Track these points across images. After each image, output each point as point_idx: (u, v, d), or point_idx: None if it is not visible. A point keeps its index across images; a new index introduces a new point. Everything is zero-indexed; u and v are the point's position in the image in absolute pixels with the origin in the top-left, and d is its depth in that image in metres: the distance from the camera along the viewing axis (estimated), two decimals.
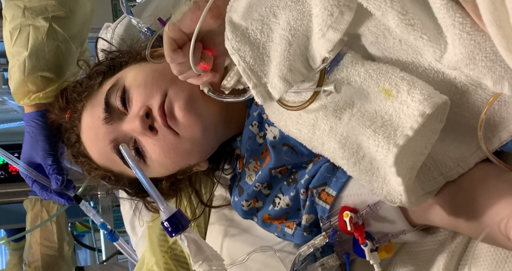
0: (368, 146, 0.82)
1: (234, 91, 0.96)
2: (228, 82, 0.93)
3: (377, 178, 0.85)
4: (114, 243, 1.44)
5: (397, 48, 0.83)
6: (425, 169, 0.87)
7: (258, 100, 0.86)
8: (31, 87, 1.29)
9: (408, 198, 0.82)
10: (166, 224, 0.87)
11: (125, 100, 1.04)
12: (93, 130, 1.08)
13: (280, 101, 0.89)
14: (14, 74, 1.30)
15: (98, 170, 1.14)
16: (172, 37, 0.88)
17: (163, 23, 0.90)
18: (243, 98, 0.92)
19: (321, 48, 0.82)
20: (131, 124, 1.03)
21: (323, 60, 0.84)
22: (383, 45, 0.85)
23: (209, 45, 0.89)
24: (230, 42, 0.86)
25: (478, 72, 0.75)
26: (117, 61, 1.14)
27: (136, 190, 1.18)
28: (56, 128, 1.22)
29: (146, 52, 1.01)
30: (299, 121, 0.91)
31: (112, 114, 1.05)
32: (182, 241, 0.79)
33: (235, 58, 0.85)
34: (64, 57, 1.32)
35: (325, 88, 0.85)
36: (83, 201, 1.36)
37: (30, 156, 1.29)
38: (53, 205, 2.33)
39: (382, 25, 0.82)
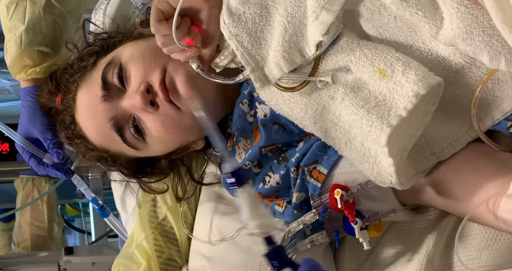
0: (361, 126, 0.82)
1: (226, 71, 0.96)
2: (221, 60, 0.93)
3: (368, 158, 0.85)
4: (105, 219, 1.43)
5: (391, 25, 0.83)
6: (417, 148, 0.87)
7: (256, 84, 0.86)
8: (28, 62, 1.28)
9: (398, 179, 0.83)
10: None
11: (122, 77, 1.03)
12: (90, 109, 1.07)
13: (279, 85, 0.90)
14: (11, 48, 1.30)
15: (95, 151, 1.13)
16: (160, 9, 0.87)
17: None
18: (232, 81, 0.92)
19: (314, 32, 0.82)
20: (132, 101, 1.02)
21: (318, 45, 0.84)
22: (378, 22, 0.85)
23: (197, 22, 0.89)
24: (227, 27, 0.86)
25: (475, 47, 0.76)
26: (110, 41, 1.13)
27: (133, 170, 1.17)
28: (47, 112, 1.21)
29: (136, 23, 1.01)
30: (291, 100, 0.91)
31: (110, 91, 1.04)
32: (241, 195, 0.78)
33: (232, 43, 0.86)
34: (61, 32, 1.31)
35: (321, 78, 0.85)
36: (75, 174, 1.36)
37: (27, 131, 1.28)
38: (45, 185, 2.33)
39: (378, 0, 0.82)
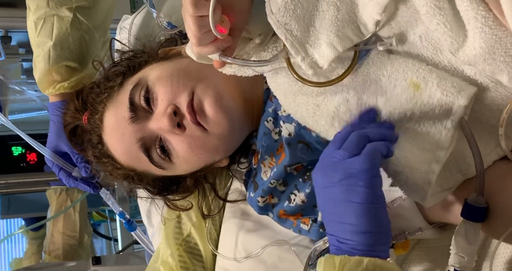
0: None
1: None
2: (246, 52, 0.92)
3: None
4: (132, 233, 1.45)
5: (417, 44, 0.83)
6: (444, 166, 0.86)
7: (309, 72, 0.85)
8: (56, 77, 1.31)
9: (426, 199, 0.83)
10: None
11: (149, 99, 1.04)
12: (118, 130, 1.08)
13: (304, 79, 0.88)
14: (39, 64, 1.33)
15: (121, 170, 1.14)
16: None
17: None
18: (267, 66, 0.91)
19: (372, 11, 0.81)
20: (159, 123, 1.03)
21: (376, 24, 0.83)
22: (405, 39, 0.84)
23: (228, 13, 0.87)
24: (274, 17, 0.85)
25: (495, 67, 0.75)
26: (135, 61, 1.14)
27: (159, 188, 1.18)
28: (72, 130, 1.22)
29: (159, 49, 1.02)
30: (317, 113, 0.91)
31: (137, 113, 1.05)
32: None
33: (281, 32, 0.84)
34: (88, 47, 1.34)
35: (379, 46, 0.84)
36: (103, 188, 1.38)
37: (56, 144, 1.32)
38: (77, 195, 2.37)
39: (405, 16, 0.81)
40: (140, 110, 1.05)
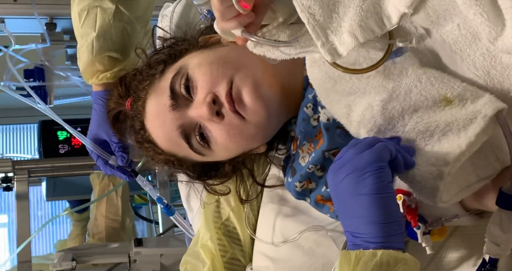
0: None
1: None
2: (269, 30, 0.91)
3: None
4: (171, 217, 1.48)
5: (455, 32, 0.82)
6: (481, 155, 0.86)
7: (327, 58, 0.85)
8: (99, 67, 1.34)
9: (440, 199, 0.82)
10: None
11: (189, 87, 1.06)
12: (159, 118, 1.10)
13: (341, 66, 0.88)
14: (83, 54, 1.36)
15: (162, 155, 1.17)
16: None
17: None
18: (295, 46, 0.90)
19: (398, 4, 0.81)
20: (198, 111, 1.05)
21: (401, 17, 0.82)
22: (443, 28, 0.84)
23: None
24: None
25: None
26: (176, 49, 1.16)
27: (198, 173, 1.21)
28: (115, 116, 1.26)
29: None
30: (350, 114, 0.92)
31: (178, 101, 1.07)
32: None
33: (304, 16, 0.84)
34: (130, 38, 1.37)
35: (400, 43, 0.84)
36: (139, 175, 1.42)
37: (96, 132, 1.36)
38: (119, 179, 2.42)
39: (443, 5, 0.81)
40: (181, 98, 1.07)
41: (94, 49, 1.34)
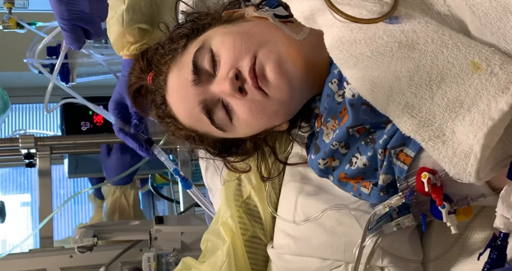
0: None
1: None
2: None
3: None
4: (188, 191, 1.47)
5: (485, 4, 0.80)
6: (509, 131, 0.83)
7: None
8: (129, 39, 1.37)
9: (477, 175, 0.81)
10: None
11: (212, 62, 1.05)
12: (181, 92, 1.09)
13: (347, 15, 0.86)
14: (113, 27, 1.38)
15: (183, 130, 1.16)
16: None
17: None
18: None
19: None
20: (221, 86, 1.04)
21: None
22: (472, 0, 0.81)
23: None
24: None
25: None
26: (199, 23, 1.14)
27: (219, 150, 1.20)
28: (137, 90, 1.25)
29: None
30: (374, 90, 0.90)
31: (200, 76, 1.06)
32: None
33: None
34: (158, 9, 1.39)
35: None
36: (155, 144, 1.42)
37: (121, 96, 1.38)
38: (130, 191, 2.48)
39: None
40: (203, 73, 1.06)
41: (124, 21, 1.35)
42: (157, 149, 1.43)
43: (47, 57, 2.28)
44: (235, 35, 1.05)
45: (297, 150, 1.20)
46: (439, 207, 0.92)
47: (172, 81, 1.11)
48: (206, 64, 1.05)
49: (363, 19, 0.86)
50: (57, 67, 1.43)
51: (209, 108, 1.07)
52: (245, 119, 1.06)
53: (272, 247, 1.21)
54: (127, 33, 1.36)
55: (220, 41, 1.05)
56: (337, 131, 1.04)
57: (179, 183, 2.83)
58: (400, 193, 0.97)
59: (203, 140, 1.17)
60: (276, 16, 1.10)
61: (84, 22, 0.98)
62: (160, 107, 1.16)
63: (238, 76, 1.02)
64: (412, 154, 0.95)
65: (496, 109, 0.77)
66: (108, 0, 1.35)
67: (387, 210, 0.98)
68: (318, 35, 0.98)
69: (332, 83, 1.05)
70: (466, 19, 0.84)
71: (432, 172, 0.92)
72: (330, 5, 0.87)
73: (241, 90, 1.03)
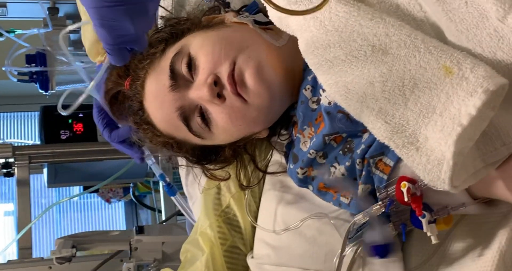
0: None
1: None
2: None
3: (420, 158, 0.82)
4: (172, 198, 1.45)
5: (462, 10, 0.79)
6: (487, 139, 0.83)
7: None
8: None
9: (451, 184, 0.79)
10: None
11: (191, 67, 1.03)
12: (158, 98, 1.08)
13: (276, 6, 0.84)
14: (89, 33, 1.35)
15: (161, 137, 1.14)
16: None
17: None
18: None
19: None
20: (199, 92, 1.02)
21: None
22: (449, 6, 0.80)
23: None
24: None
25: None
26: (178, 28, 1.13)
27: (198, 157, 1.18)
28: (114, 96, 1.22)
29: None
30: (348, 96, 0.89)
31: (178, 81, 1.05)
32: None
33: None
34: None
35: None
36: (143, 147, 1.38)
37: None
38: None
39: None
40: (181, 79, 1.04)
41: None
42: (146, 151, 1.40)
43: (26, 65, 2.26)
44: (214, 40, 1.04)
45: (277, 158, 1.19)
46: (419, 217, 0.91)
47: (150, 87, 1.09)
48: (183, 69, 1.04)
49: (293, 11, 0.85)
50: (97, 78, 1.38)
51: (186, 115, 1.06)
52: (224, 126, 1.05)
53: (252, 257, 1.20)
54: None
55: (199, 46, 1.04)
56: (314, 139, 1.03)
57: (161, 192, 2.82)
58: (379, 202, 0.95)
59: (181, 147, 1.15)
60: (256, 22, 1.09)
61: (129, 43, 0.91)
62: (137, 114, 1.14)
63: (216, 82, 1.01)
64: (391, 163, 0.94)
65: (465, 114, 0.76)
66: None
67: (367, 219, 0.97)
68: (296, 41, 0.97)
69: (306, 90, 1.04)
70: (442, 25, 0.83)
71: (411, 181, 0.91)
72: None
73: (220, 97, 1.01)
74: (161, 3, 1.34)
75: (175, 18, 1.20)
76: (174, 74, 1.04)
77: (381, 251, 0.71)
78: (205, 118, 1.05)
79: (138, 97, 1.12)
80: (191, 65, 1.03)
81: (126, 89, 1.17)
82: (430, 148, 0.80)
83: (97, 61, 1.38)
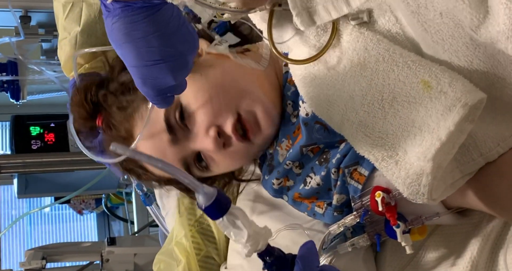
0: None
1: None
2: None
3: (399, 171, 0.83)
4: (148, 207, 1.43)
5: (437, 21, 0.80)
6: (464, 150, 0.83)
7: (301, 27, 0.83)
8: (79, 61, 1.34)
9: (430, 197, 0.80)
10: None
11: (183, 117, 1.01)
12: (158, 151, 1.04)
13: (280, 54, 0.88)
14: (65, 47, 1.36)
15: (154, 176, 1.14)
16: None
17: None
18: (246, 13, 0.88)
19: None
20: (203, 145, 1.02)
21: None
22: (424, 17, 0.81)
23: None
24: None
25: None
26: None
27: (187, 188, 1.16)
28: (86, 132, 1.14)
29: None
30: (330, 100, 0.89)
31: (177, 134, 1.03)
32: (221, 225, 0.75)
33: None
34: None
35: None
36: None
37: None
38: None
39: None
40: (178, 130, 1.03)
41: (77, 43, 1.34)
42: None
43: None
44: (208, 90, 1.01)
45: (251, 167, 1.18)
46: (394, 227, 0.91)
47: (146, 141, 1.04)
48: (177, 120, 1.02)
49: (296, 60, 0.88)
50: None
51: (188, 162, 1.05)
52: (226, 166, 1.07)
53: (226, 268, 1.19)
54: (79, 56, 1.32)
55: (193, 97, 1.01)
56: (291, 150, 1.02)
57: (134, 203, 2.79)
58: (354, 212, 0.95)
59: (171, 182, 1.14)
60: (231, 45, 1.07)
61: (171, 92, 0.85)
62: (128, 160, 1.10)
63: (219, 133, 1.01)
64: (366, 173, 0.94)
65: (444, 128, 0.76)
66: (62, 20, 1.35)
67: (342, 229, 0.97)
68: (274, 56, 0.98)
69: (287, 105, 1.04)
70: (418, 37, 0.84)
71: (386, 191, 0.91)
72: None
73: (224, 145, 1.02)
74: None
75: None
76: (170, 127, 1.02)
77: (212, 211, 0.70)
78: (201, 159, 1.05)
79: (126, 143, 1.06)
80: (183, 114, 1.01)
81: (98, 125, 1.11)
82: (409, 162, 0.81)
83: (70, 75, 1.36)
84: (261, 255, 0.76)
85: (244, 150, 1.03)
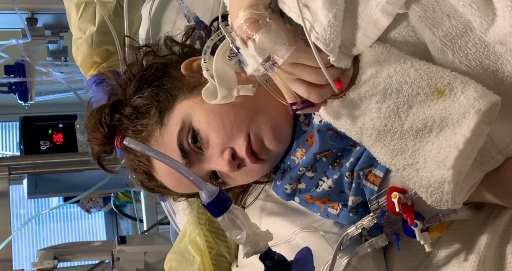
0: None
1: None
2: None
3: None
4: (162, 203, 1.43)
5: (445, 23, 0.81)
6: (482, 150, 0.83)
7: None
8: (96, 59, 1.40)
9: (454, 201, 0.81)
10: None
11: (196, 139, 1.02)
12: (174, 175, 1.05)
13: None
14: (82, 47, 1.40)
15: (171, 192, 1.14)
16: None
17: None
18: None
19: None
20: (218, 167, 1.03)
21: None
22: (432, 20, 0.82)
23: None
24: None
25: None
26: (164, 89, 1.06)
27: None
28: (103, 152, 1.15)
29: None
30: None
31: (191, 158, 1.03)
32: (223, 224, 0.78)
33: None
34: (128, 32, 1.39)
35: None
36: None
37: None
38: None
39: None
40: (192, 154, 1.03)
41: (94, 43, 1.38)
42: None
43: (5, 76, 2.24)
44: (220, 113, 1.01)
45: None
46: (412, 226, 0.91)
47: (161, 164, 1.05)
48: (190, 143, 1.02)
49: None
50: None
51: (205, 180, 1.04)
52: (243, 182, 1.09)
53: (237, 266, 1.20)
54: (95, 55, 1.37)
55: (205, 121, 1.01)
56: (304, 158, 1.02)
57: (142, 201, 2.79)
58: (371, 214, 0.95)
59: (194, 195, 1.17)
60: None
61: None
62: (146, 180, 1.12)
63: (233, 155, 1.01)
64: (381, 174, 0.94)
65: (460, 135, 0.77)
66: (76, 20, 1.38)
67: (359, 231, 0.97)
68: None
69: (299, 114, 1.04)
70: (426, 39, 0.84)
71: (402, 191, 0.91)
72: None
73: (239, 165, 1.03)
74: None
75: (149, 65, 1.11)
76: (184, 152, 1.03)
77: (213, 207, 0.77)
78: (223, 179, 1.06)
79: (144, 167, 1.09)
80: (196, 137, 1.02)
81: (116, 146, 1.12)
82: (430, 170, 0.81)
83: (88, 75, 1.41)
84: (261, 258, 0.80)
85: (259, 168, 1.05)
